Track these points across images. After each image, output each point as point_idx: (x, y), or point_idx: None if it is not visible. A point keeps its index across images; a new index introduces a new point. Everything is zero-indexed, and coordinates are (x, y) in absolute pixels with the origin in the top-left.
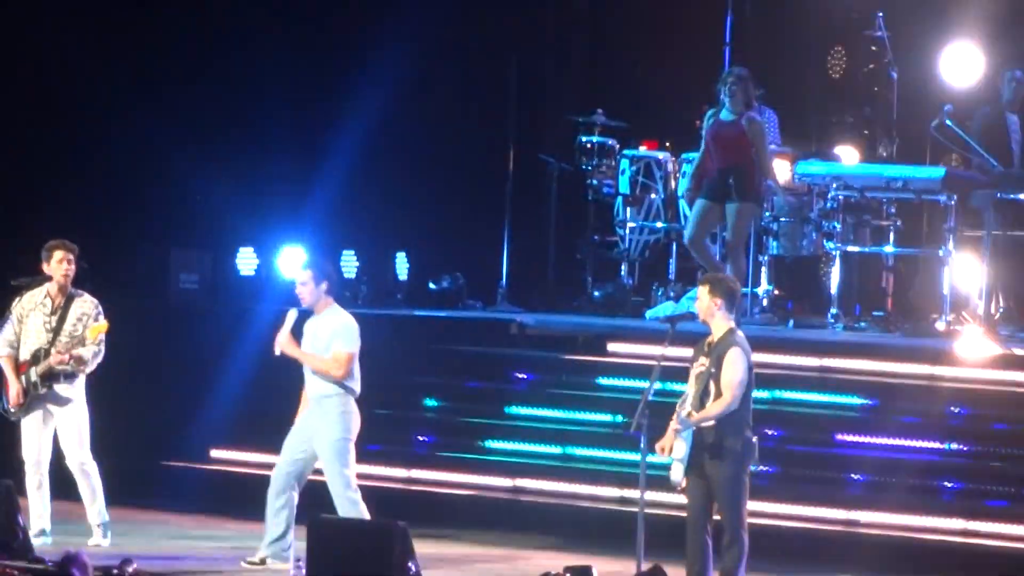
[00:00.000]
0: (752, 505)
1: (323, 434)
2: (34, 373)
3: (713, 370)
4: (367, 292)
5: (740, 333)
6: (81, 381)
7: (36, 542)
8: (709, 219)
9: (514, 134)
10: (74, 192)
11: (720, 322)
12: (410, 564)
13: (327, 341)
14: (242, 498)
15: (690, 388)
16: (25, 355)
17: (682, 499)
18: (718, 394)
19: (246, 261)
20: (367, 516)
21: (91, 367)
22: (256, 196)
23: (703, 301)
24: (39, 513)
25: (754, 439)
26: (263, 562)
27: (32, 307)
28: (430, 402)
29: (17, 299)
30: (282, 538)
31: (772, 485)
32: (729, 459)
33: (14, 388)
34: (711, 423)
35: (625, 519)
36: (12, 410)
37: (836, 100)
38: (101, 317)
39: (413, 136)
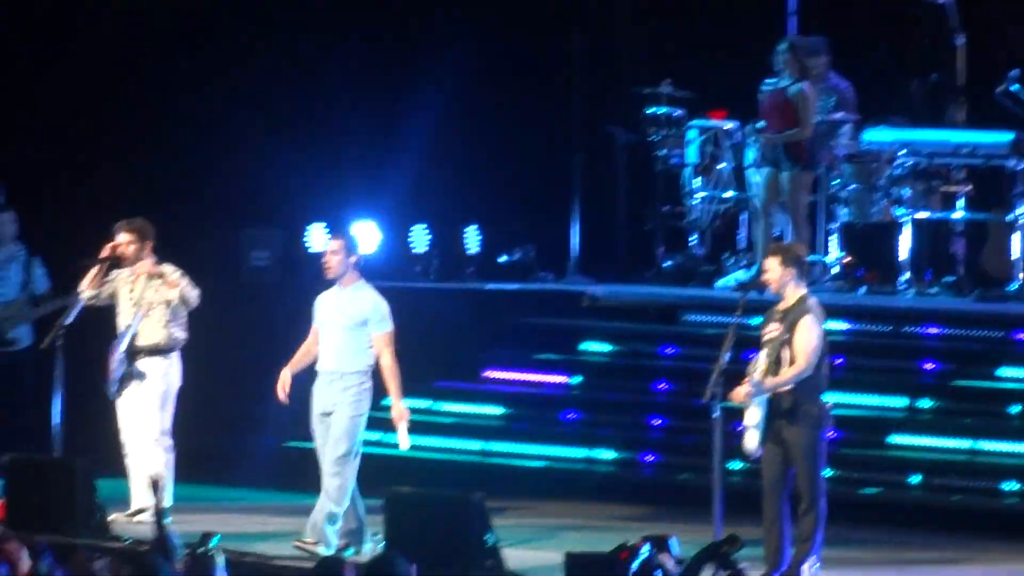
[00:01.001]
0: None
1: (343, 410)
2: (120, 349)
3: (786, 336)
4: (438, 266)
5: (813, 299)
6: (171, 357)
7: (137, 519)
8: (772, 186)
9: (582, 107)
10: (145, 171)
11: (792, 290)
12: (487, 536)
13: (356, 319)
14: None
15: (762, 355)
16: (118, 333)
17: (757, 467)
18: (792, 360)
19: (317, 237)
20: (347, 496)
21: (191, 299)
22: (327, 172)
23: (774, 272)
24: (138, 492)
25: (829, 404)
26: (316, 543)
27: (122, 283)
28: (500, 374)
29: (113, 274)
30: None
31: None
32: (806, 425)
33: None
34: (787, 389)
35: (702, 488)
36: (108, 387)
37: (904, 67)
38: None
39: (483, 110)
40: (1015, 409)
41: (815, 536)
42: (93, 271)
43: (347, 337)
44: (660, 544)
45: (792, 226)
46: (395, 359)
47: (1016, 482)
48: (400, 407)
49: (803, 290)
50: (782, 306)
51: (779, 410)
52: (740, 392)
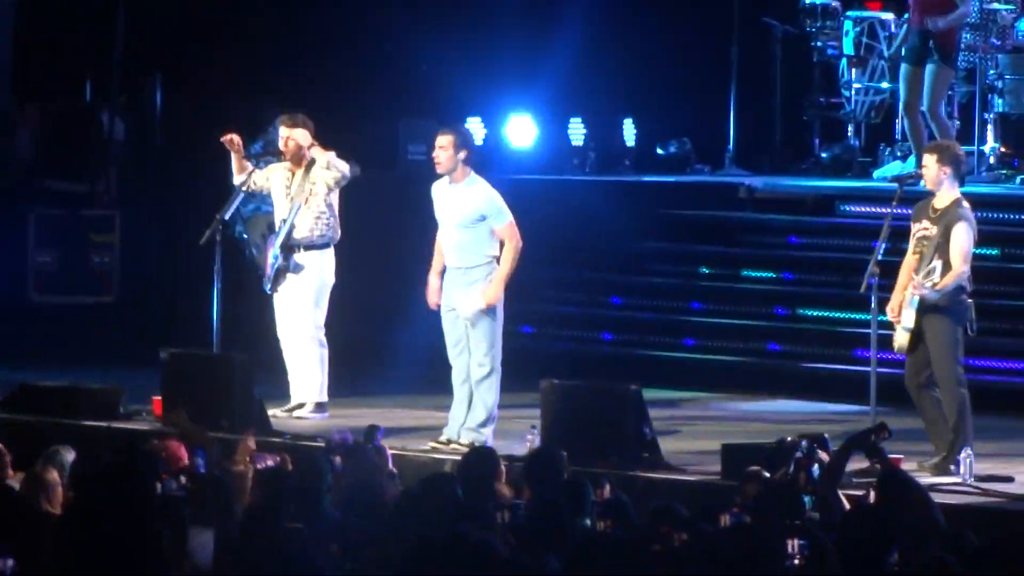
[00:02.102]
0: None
1: (473, 305)
2: (277, 245)
3: (940, 240)
4: (595, 159)
5: (966, 203)
6: (327, 253)
7: (296, 413)
8: (914, 84)
9: None
10: (304, 63)
11: (947, 191)
12: (645, 428)
13: (471, 216)
14: None
15: (914, 250)
16: (275, 228)
17: None
18: (947, 265)
19: (474, 130)
20: (497, 392)
21: (344, 170)
22: (484, 66)
23: (931, 170)
24: (297, 387)
25: (970, 301)
26: (449, 443)
27: (279, 179)
28: (658, 267)
29: (271, 166)
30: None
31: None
32: (947, 320)
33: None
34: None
35: (856, 377)
36: (267, 283)
37: None
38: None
39: (638, 3)
40: None
41: (961, 427)
42: (233, 157)
43: (464, 233)
44: (818, 441)
45: (933, 122)
46: (517, 249)
47: None
48: (490, 292)
49: (956, 192)
50: (937, 204)
51: (922, 307)
52: (895, 299)
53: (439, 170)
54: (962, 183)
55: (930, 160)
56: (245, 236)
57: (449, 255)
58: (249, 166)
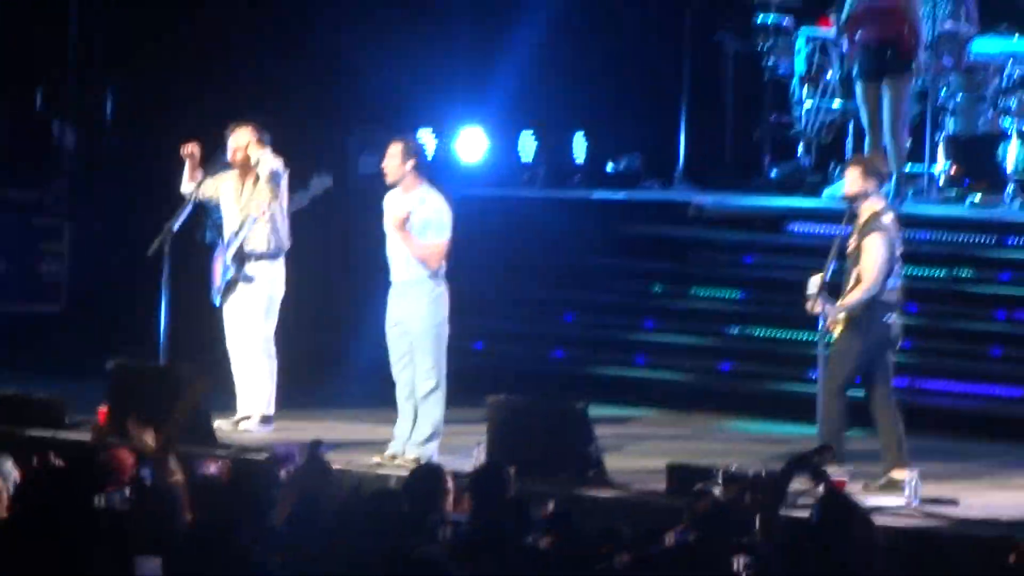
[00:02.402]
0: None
1: (416, 322)
2: (227, 256)
3: (857, 253)
4: (545, 174)
5: (889, 215)
6: (276, 264)
7: (242, 425)
8: (872, 100)
9: (691, 13)
10: (252, 77)
11: (869, 204)
12: (591, 446)
13: (415, 225)
14: None
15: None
16: (224, 239)
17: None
18: (858, 279)
19: (425, 142)
20: (442, 407)
21: (275, 168)
22: (436, 77)
23: (855, 184)
24: (244, 399)
25: (892, 318)
26: (394, 458)
27: (228, 189)
28: (609, 284)
29: (220, 175)
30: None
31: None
32: (850, 333)
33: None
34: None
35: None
36: (216, 294)
37: None
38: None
39: (591, 17)
40: None
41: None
42: (187, 166)
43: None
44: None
45: (891, 136)
46: (431, 268)
47: None
48: None
49: (879, 204)
50: (861, 218)
51: (848, 322)
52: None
53: (387, 179)
54: (902, 200)
55: (853, 173)
56: (218, 241)
57: (394, 268)
58: (199, 176)
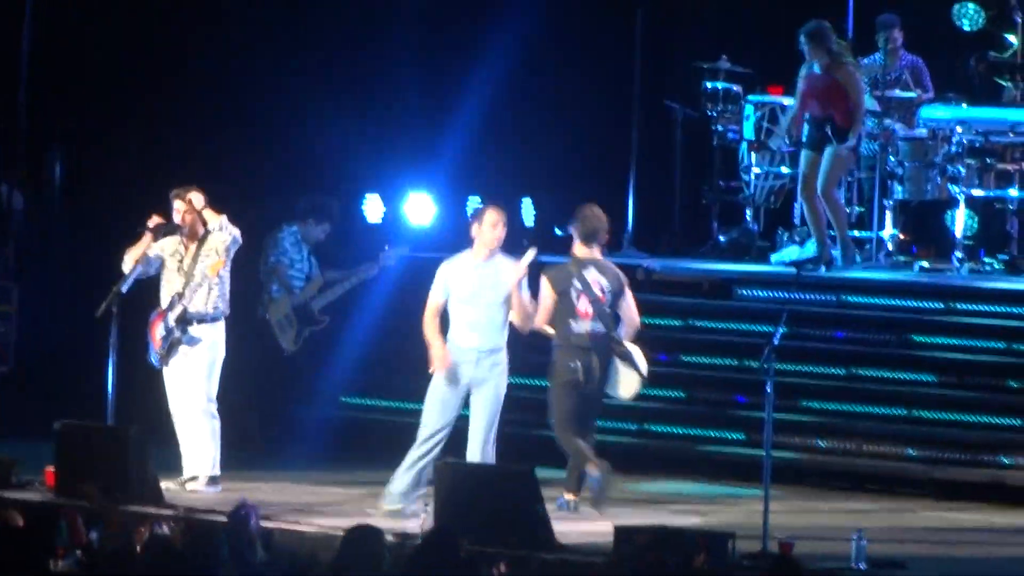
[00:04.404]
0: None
1: (493, 390)
2: (171, 318)
3: None
4: None
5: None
6: (218, 326)
7: (189, 486)
8: (813, 169)
9: (639, 81)
10: (201, 140)
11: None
12: (538, 508)
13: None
14: (370, 445)
15: None
16: (163, 302)
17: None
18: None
19: (372, 208)
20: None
21: (235, 233)
22: (383, 143)
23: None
24: (189, 461)
25: (570, 363)
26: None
27: (171, 252)
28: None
29: (162, 241)
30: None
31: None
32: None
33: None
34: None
35: (750, 460)
36: (155, 356)
37: (961, 46)
38: (227, 250)
39: (540, 83)
40: None
41: None
42: (139, 246)
43: (493, 312)
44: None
45: (827, 202)
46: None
47: None
48: None
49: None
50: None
51: None
52: None
53: (492, 248)
54: (849, 264)
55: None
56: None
57: (480, 334)
58: (151, 252)
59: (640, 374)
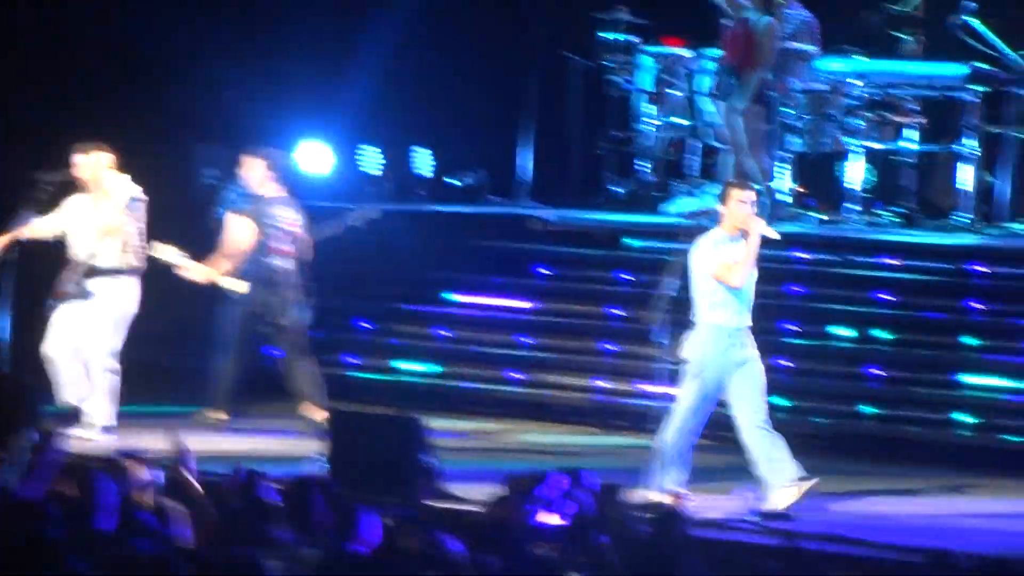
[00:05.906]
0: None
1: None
2: (78, 272)
3: None
4: (391, 188)
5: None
6: (127, 281)
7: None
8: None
9: (537, 30)
10: (101, 92)
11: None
12: (429, 456)
13: None
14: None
15: None
16: (73, 256)
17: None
18: None
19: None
20: None
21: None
22: (280, 92)
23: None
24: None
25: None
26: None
27: (78, 208)
28: (449, 296)
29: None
30: None
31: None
32: None
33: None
34: None
35: (639, 410)
36: (51, 302)
37: None
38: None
39: (437, 33)
40: (970, 341)
41: None
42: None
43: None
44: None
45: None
46: None
47: (970, 415)
48: None
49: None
50: None
51: None
52: None
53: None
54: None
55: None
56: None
57: (738, 312)
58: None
59: None
